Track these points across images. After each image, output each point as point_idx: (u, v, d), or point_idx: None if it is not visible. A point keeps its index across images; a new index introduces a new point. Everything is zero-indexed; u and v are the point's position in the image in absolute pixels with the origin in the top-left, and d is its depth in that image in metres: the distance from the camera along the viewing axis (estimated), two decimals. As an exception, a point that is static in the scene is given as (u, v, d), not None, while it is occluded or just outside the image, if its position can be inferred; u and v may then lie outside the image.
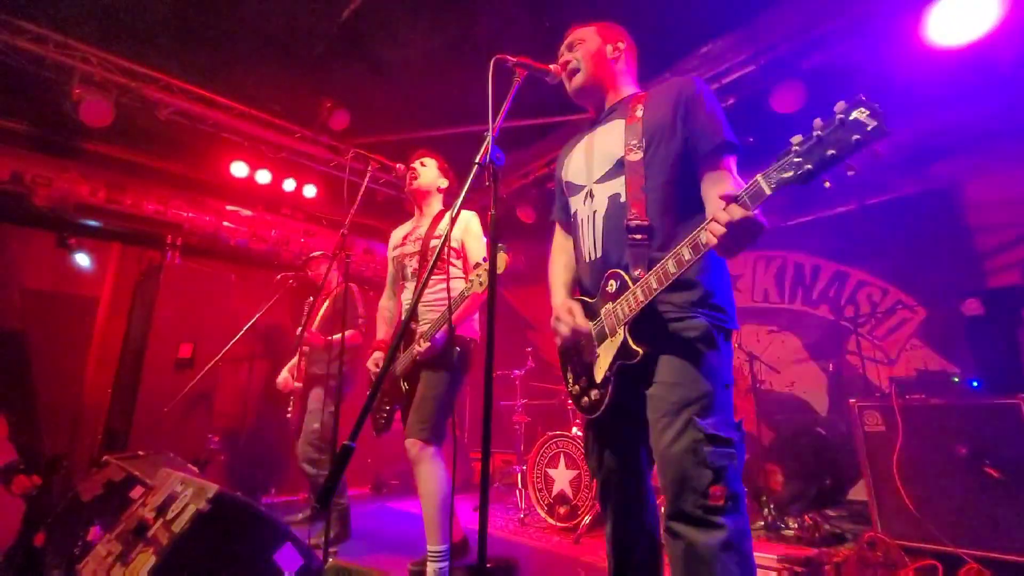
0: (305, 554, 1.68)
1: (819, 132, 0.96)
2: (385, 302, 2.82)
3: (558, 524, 3.48)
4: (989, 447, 2.40)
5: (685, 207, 1.36)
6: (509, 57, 1.42)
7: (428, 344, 2.31)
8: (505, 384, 4.55)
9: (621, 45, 1.62)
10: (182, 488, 1.69)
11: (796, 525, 3.16)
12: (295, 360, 3.47)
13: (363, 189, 2.61)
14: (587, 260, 1.51)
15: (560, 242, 1.77)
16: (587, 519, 3.29)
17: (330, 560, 2.56)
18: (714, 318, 1.32)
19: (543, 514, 3.60)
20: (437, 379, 2.37)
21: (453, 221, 1.37)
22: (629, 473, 1.46)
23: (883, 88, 3.31)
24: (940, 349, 3.63)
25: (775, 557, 2.59)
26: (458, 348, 2.44)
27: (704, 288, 1.33)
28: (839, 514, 3.39)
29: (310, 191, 4.93)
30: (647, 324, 1.32)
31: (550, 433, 3.72)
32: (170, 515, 1.59)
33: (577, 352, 1.51)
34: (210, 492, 1.56)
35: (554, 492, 3.58)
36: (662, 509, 1.32)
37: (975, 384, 2.68)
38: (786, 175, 1.00)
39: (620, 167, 1.44)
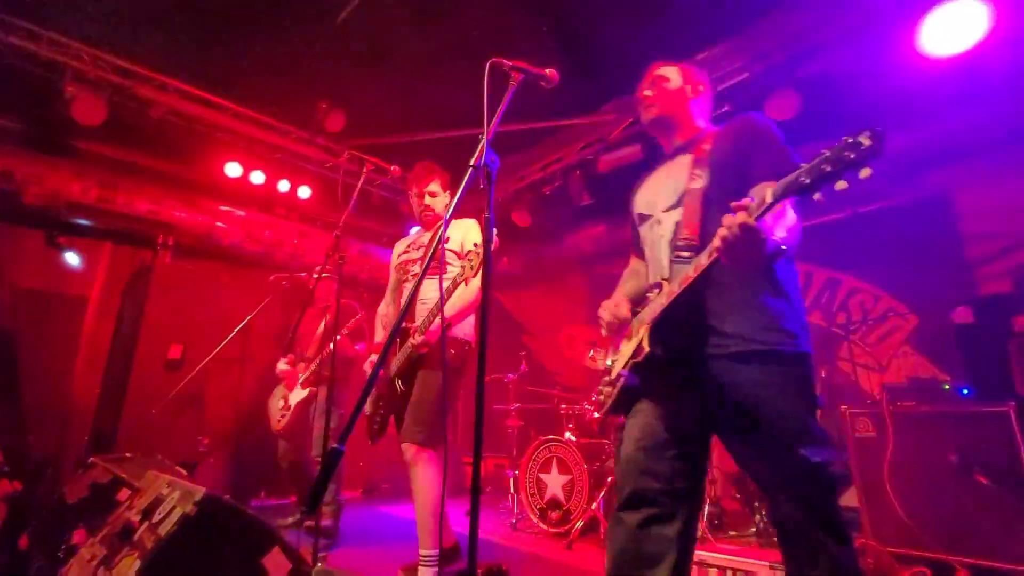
0: (294, 558, 1.66)
1: (826, 153, 1.03)
2: (384, 308, 2.83)
3: (550, 529, 3.46)
4: (979, 454, 2.41)
5: None
6: (505, 61, 1.42)
7: (422, 337, 2.30)
8: (498, 388, 4.54)
9: (701, 88, 1.69)
10: (169, 491, 1.67)
11: (788, 531, 3.16)
12: (283, 364, 3.45)
13: (358, 191, 2.60)
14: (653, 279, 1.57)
15: (632, 266, 1.84)
16: (579, 524, 3.28)
17: (319, 564, 2.53)
18: (787, 343, 1.33)
19: (535, 519, 3.58)
20: (433, 381, 2.37)
21: (447, 221, 1.37)
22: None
23: (876, 96, 3.34)
24: (931, 356, 3.65)
25: (767, 564, 2.58)
26: (452, 350, 2.44)
27: (771, 312, 1.35)
28: (830, 520, 3.39)
29: (305, 192, 4.91)
30: (675, 337, 1.38)
31: (543, 437, 3.71)
32: (156, 518, 1.57)
33: (614, 356, 1.57)
34: (197, 495, 1.54)
35: (546, 497, 3.57)
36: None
37: (965, 392, 2.70)
38: (783, 191, 1.08)
39: (684, 195, 1.50)
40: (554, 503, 3.51)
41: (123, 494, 1.94)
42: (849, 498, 2.87)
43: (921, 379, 3.14)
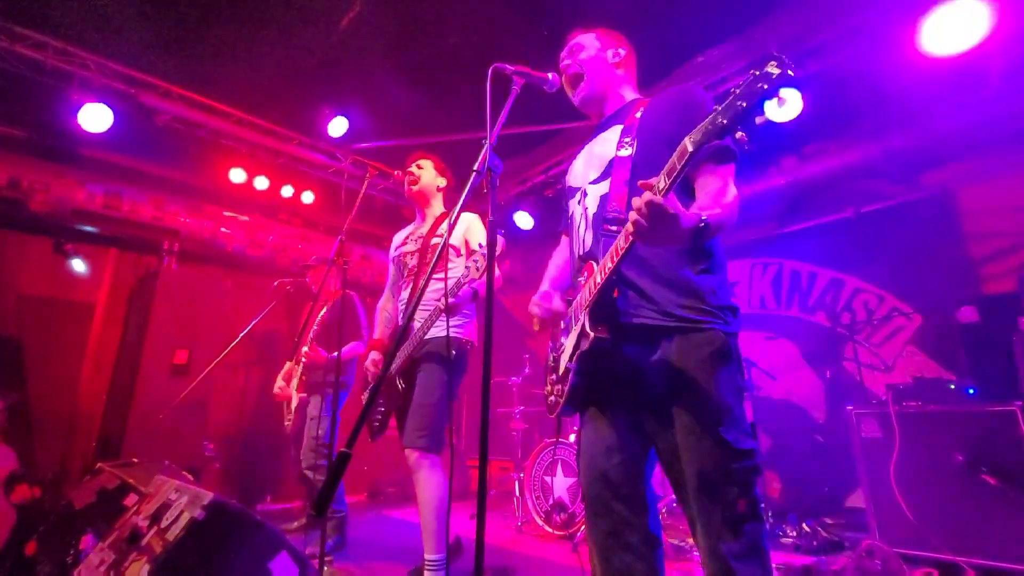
0: (300, 563, 1.66)
1: (735, 91, 1.01)
2: (384, 303, 2.81)
3: (555, 532, 3.45)
4: (986, 454, 2.40)
5: None
6: (507, 66, 1.43)
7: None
8: (502, 391, 4.54)
9: (621, 51, 1.63)
10: (177, 496, 1.68)
11: (794, 533, 3.15)
12: (288, 366, 3.45)
13: (361, 195, 2.61)
14: (576, 257, 1.50)
15: (561, 247, 1.78)
16: (585, 527, 3.27)
17: (326, 569, 2.54)
18: (724, 321, 1.28)
19: (540, 522, 3.57)
20: (433, 383, 2.34)
21: (452, 225, 1.36)
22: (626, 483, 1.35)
23: (878, 96, 3.34)
24: (936, 356, 3.64)
25: (773, 565, 2.58)
26: (454, 351, 2.42)
27: (707, 288, 1.29)
28: (837, 522, 3.38)
29: (308, 197, 4.94)
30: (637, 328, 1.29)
31: (547, 440, 3.71)
32: (164, 523, 1.58)
33: (555, 351, 1.50)
34: (205, 500, 1.55)
35: (551, 499, 3.56)
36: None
37: (971, 391, 2.68)
38: (702, 135, 1.03)
39: (611, 165, 1.44)
40: (559, 506, 3.51)
41: (131, 499, 1.95)
42: (856, 499, 2.85)
43: (927, 379, 3.13)
